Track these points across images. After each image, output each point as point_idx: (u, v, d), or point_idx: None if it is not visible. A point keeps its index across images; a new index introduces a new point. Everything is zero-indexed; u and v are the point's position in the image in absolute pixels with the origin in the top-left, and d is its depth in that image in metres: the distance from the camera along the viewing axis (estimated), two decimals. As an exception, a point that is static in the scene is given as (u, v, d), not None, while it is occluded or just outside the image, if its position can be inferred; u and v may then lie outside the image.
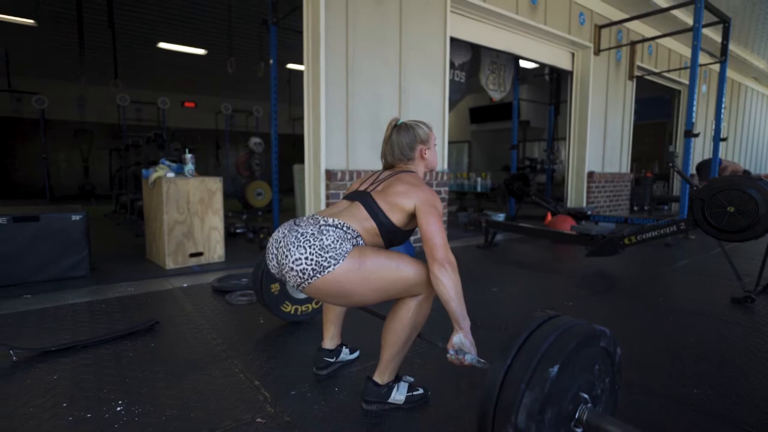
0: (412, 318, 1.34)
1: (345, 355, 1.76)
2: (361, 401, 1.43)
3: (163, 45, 8.65)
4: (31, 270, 2.84)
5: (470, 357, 1.23)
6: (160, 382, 1.61)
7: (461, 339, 1.24)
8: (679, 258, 4.07)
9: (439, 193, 4.40)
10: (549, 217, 5.75)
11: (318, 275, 1.21)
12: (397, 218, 1.38)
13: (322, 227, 1.27)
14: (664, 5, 5.90)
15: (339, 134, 3.74)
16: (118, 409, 1.42)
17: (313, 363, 1.69)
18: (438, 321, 1.90)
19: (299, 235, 1.25)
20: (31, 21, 7.31)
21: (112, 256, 3.77)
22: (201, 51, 9.06)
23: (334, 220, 1.31)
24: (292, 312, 2.20)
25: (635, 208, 8.09)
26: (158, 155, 5.82)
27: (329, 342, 1.70)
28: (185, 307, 2.48)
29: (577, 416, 1.00)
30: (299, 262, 1.21)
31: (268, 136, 5.27)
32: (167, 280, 3.04)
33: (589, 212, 5.41)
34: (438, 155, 4.32)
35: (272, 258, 1.32)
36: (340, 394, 1.55)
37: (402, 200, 1.38)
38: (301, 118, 3.90)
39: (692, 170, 7.95)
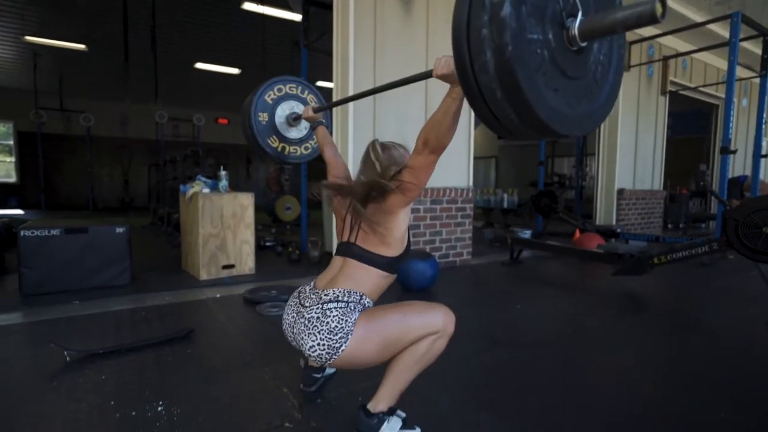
0: (423, 352, 1.33)
1: (329, 370, 1.73)
2: (355, 430, 1.41)
3: (200, 65, 9.13)
4: (80, 278, 3.05)
5: None
6: (196, 386, 1.72)
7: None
8: (715, 279, 3.94)
9: (464, 209, 4.43)
10: (578, 233, 5.67)
11: (335, 355, 1.27)
12: (392, 241, 1.35)
13: (325, 307, 1.29)
14: (699, 20, 5.80)
15: (366, 152, 3.85)
16: (159, 409, 1.53)
17: (301, 381, 1.67)
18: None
19: (306, 322, 1.30)
20: (83, 46, 7.88)
21: (150, 266, 3.98)
22: (235, 70, 9.50)
23: (334, 292, 1.31)
24: (279, 149, 2.12)
25: (669, 226, 7.83)
26: (194, 171, 6.10)
27: None
28: (218, 317, 2.60)
29: (568, 23, 0.87)
30: (313, 349, 1.28)
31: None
32: (201, 290, 3.19)
33: (618, 230, 5.31)
34: (464, 171, 4.40)
35: (292, 341, 1.38)
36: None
37: (385, 217, 1.34)
38: (330, 132, 4.04)
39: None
